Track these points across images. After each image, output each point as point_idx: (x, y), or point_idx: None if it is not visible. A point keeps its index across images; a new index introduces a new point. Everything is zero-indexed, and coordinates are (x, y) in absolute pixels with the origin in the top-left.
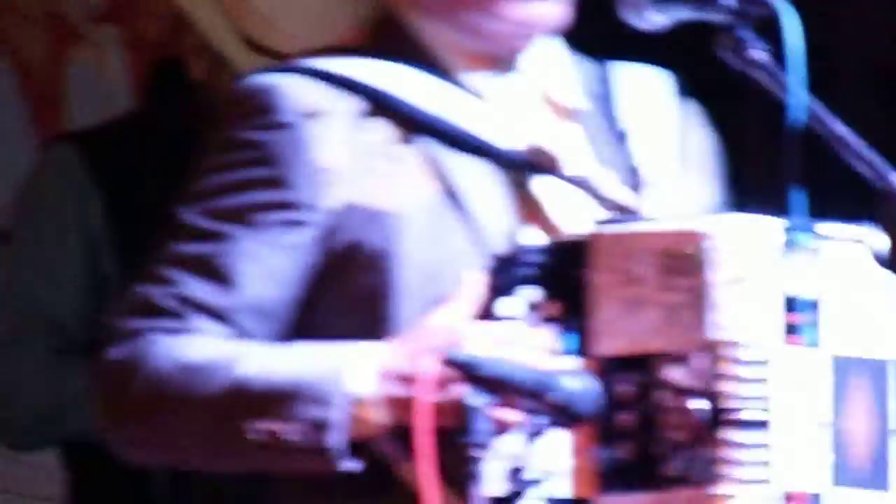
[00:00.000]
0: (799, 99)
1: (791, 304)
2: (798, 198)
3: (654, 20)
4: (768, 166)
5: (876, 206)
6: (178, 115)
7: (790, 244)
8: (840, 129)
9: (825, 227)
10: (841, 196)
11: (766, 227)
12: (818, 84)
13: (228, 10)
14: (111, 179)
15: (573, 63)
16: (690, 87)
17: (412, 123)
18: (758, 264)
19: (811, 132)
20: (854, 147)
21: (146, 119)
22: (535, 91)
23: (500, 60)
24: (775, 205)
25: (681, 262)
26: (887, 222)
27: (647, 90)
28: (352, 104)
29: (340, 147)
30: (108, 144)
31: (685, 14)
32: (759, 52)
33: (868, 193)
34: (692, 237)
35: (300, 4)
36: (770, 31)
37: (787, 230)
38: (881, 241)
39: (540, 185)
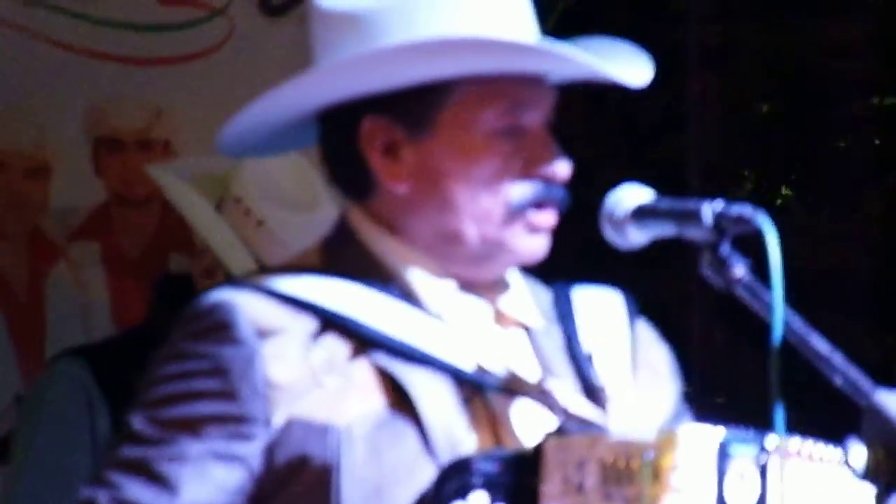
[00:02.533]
0: (781, 316)
1: None
2: (780, 414)
3: (635, 238)
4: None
5: (858, 421)
6: None
7: (730, 455)
8: (822, 345)
9: (786, 440)
10: (825, 411)
11: (706, 438)
12: (802, 300)
13: (244, 236)
14: (118, 394)
15: (528, 285)
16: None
17: (364, 340)
18: (695, 476)
19: (794, 349)
20: (835, 364)
21: (152, 333)
22: (490, 309)
23: (467, 286)
24: (763, 421)
25: (619, 473)
26: (868, 438)
27: (602, 309)
28: (306, 323)
29: (292, 365)
30: (114, 359)
31: (666, 231)
32: (740, 270)
33: (850, 409)
34: (633, 448)
35: (317, 230)
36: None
37: (729, 441)
38: (860, 456)
39: (494, 398)
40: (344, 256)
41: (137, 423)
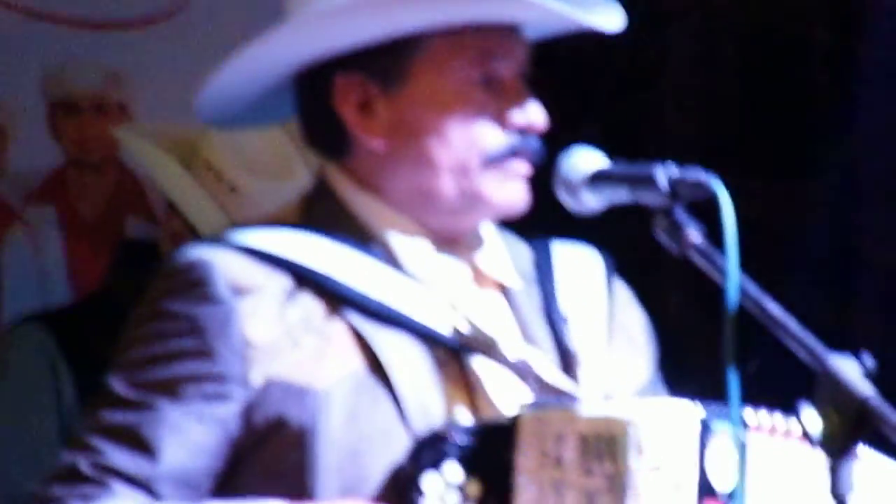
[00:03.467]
0: (735, 281)
1: (709, 492)
2: (733, 380)
3: (590, 203)
4: (708, 347)
5: (812, 388)
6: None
7: (711, 431)
8: (776, 310)
9: (753, 414)
10: (779, 376)
11: (688, 415)
12: (757, 263)
13: (217, 202)
14: (80, 358)
15: (507, 242)
16: (621, 265)
17: (340, 299)
18: (676, 452)
19: (748, 313)
20: (790, 328)
21: (112, 299)
22: (468, 269)
23: (445, 241)
24: (715, 386)
25: (600, 448)
26: (822, 404)
27: (579, 270)
28: (282, 280)
29: (268, 323)
30: (75, 325)
31: (621, 196)
32: (694, 234)
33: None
34: (612, 424)
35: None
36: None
37: (710, 417)
38: (815, 423)
39: (469, 361)
40: (321, 214)
41: (116, 385)
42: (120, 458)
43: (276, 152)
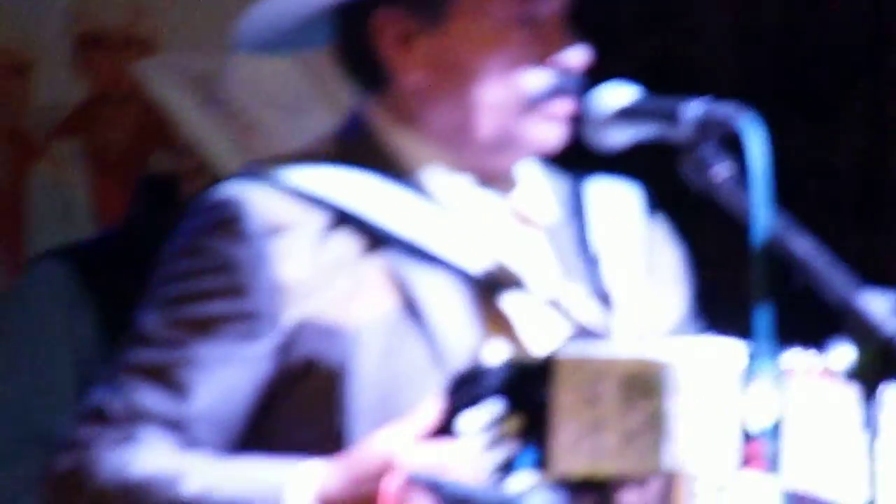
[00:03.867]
0: (761, 218)
1: (750, 433)
2: (763, 318)
3: (616, 139)
4: (738, 283)
5: (842, 323)
6: (167, 231)
7: (752, 371)
8: (803, 247)
9: (789, 352)
10: (809, 309)
11: (728, 354)
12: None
13: (233, 139)
14: (101, 294)
15: (546, 177)
16: (659, 201)
17: (377, 237)
18: (717, 392)
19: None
20: (816, 267)
21: (136, 234)
22: (506, 205)
23: (483, 178)
24: (744, 322)
25: (640, 388)
26: (854, 339)
27: (617, 206)
28: (317, 217)
29: (302, 262)
30: (97, 259)
31: (647, 132)
32: (720, 171)
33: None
34: (652, 364)
35: (309, 135)
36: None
37: (751, 356)
38: (847, 357)
39: (506, 299)
40: (357, 150)
41: (147, 323)
42: (150, 398)
43: (291, 87)
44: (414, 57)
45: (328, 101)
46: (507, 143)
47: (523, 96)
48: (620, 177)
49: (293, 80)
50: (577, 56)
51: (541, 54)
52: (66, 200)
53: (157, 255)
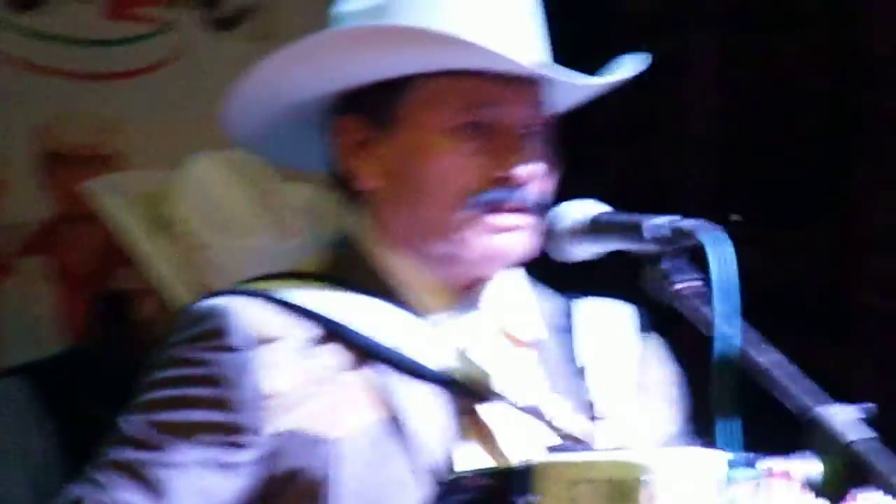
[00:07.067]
0: (726, 332)
1: None
2: (727, 430)
3: (580, 253)
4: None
5: (806, 434)
6: (123, 349)
7: (731, 479)
8: (765, 359)
9: (764, 461)
10: (773, 424)
11: (707, 462)
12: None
13: (185, 258)
14: (58, 412)
15: (535, 295)
16: (654, 320)
17: (362, 350)
18: (695, 498)
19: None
20: (779, 378)
21: (93, 351)
22: (492, 325)
23: (463, 292)
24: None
25: (619, 493)
26: (817, 450)
27: (607, 324)
28: (303, 330)
29: (288, 373)
30: (55, 377)
31: (612, 246)
32: (684, 284)
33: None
34: (633, 469)
35: (263, 258)
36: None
37: (729, 464)
38: (814, 468)
39: (489, 412)
40: (347, 264)
41: (129, 425)
42: (127, 495)
43: (241, 210)
44: (369, 164)
45: (274, 221)
46: (456, 253)
47: (463, 207)
48: (617, 296)
49: (243, 201)
50: (522, 170)
51: (487, 165)
52: (34, 317)
53: (113, 372)
